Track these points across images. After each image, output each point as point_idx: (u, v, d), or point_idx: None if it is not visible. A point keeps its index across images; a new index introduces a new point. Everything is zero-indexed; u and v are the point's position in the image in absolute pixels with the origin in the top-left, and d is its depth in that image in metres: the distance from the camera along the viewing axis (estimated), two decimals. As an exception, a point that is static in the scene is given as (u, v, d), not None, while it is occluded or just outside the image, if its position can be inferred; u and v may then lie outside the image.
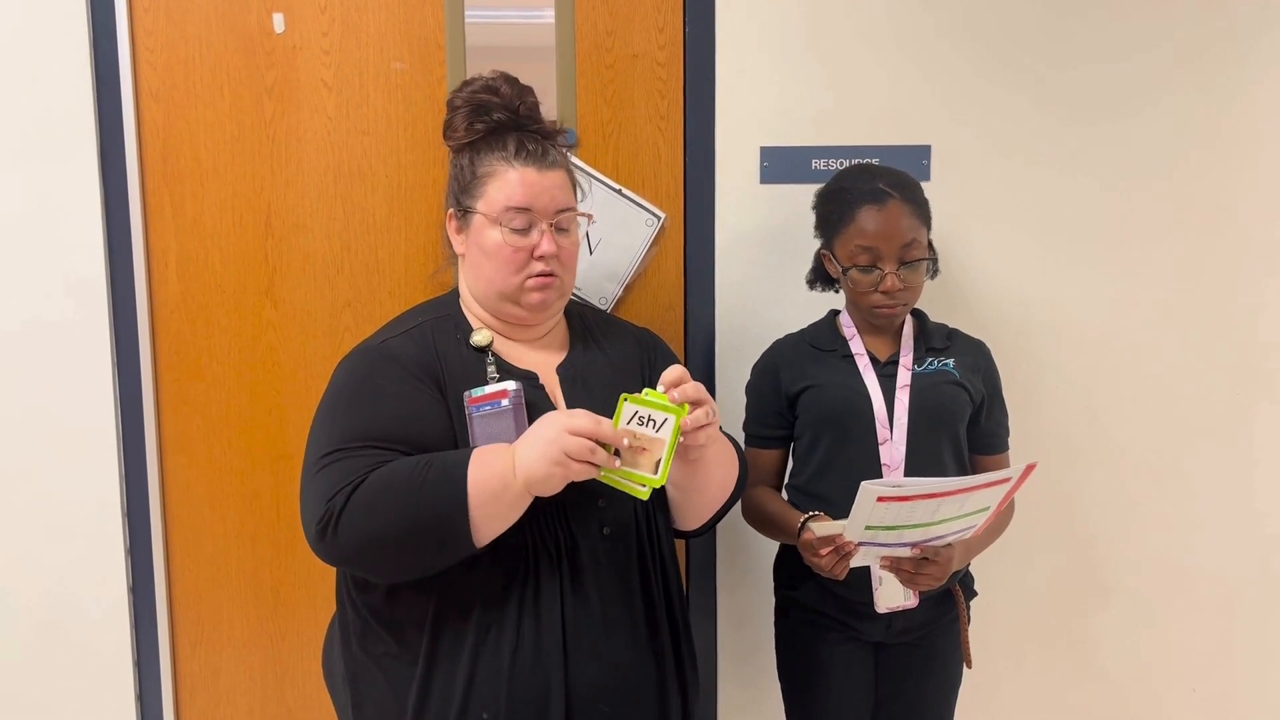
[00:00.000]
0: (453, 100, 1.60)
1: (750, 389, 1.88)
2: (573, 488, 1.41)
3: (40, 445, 2.00)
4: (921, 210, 1.74)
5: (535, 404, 1.50)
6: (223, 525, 2.06)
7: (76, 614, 2.04)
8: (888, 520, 1.49)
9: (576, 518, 1.49)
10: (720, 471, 1.58)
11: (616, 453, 1.38)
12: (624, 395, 1.39)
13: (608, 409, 1.41)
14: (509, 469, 1.37)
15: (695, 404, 1.41)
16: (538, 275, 1.54)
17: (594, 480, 1.42)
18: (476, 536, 1.38)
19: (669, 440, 1.36)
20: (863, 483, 1.44)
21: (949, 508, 1.48)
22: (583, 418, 1.37)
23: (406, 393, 1.48)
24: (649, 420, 1.36)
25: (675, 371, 1.41)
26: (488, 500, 1.37)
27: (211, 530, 2.07)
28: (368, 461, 1.41)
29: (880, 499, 1.44)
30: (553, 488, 1.38)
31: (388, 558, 1.42)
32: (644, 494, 1.40)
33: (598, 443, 1.36)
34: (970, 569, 1.86)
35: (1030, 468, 1.48)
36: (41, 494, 2.01)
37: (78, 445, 2.00)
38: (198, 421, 2.04)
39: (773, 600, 1.92)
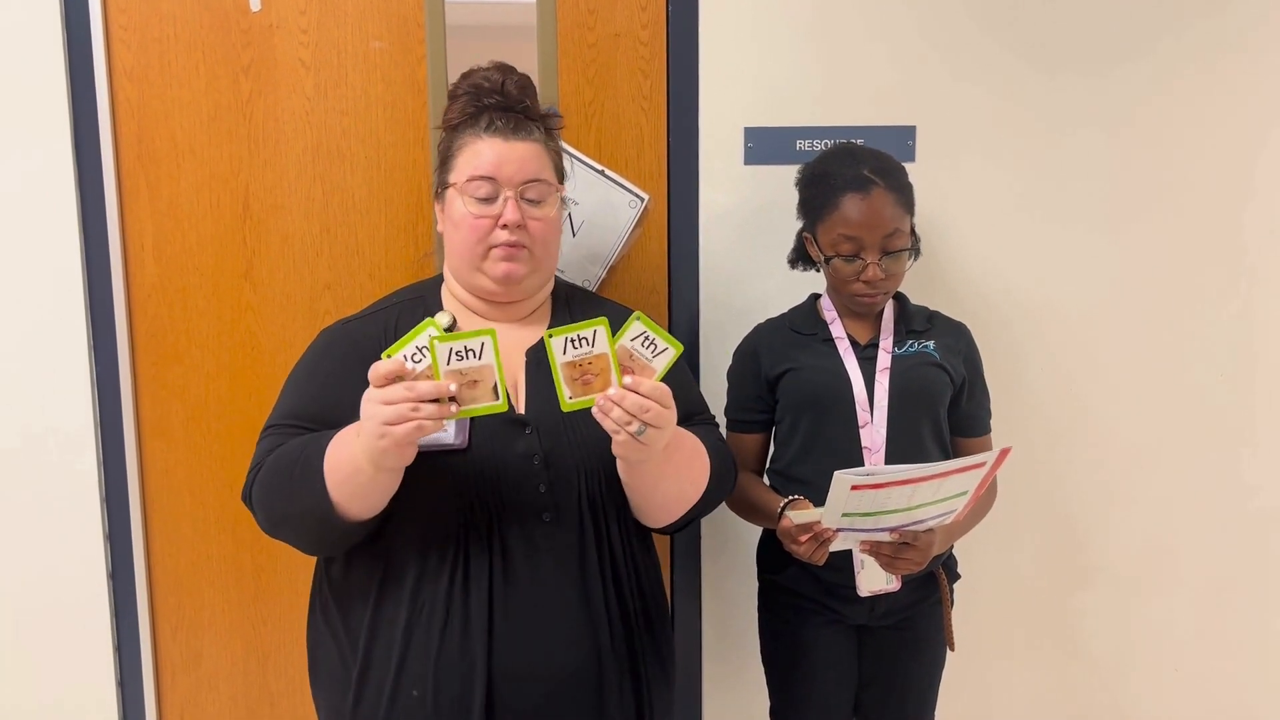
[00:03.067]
0: (454, 90, 1.61)
1: (731, 373, 1.87)
2: (511, 471, 1.43)
3: (16, 431, 1.98)
4: (905, 197, 1.72)
5: None
6: (203, 510, 2.05)
7: (56, 601, 2.03)
8: (863, 507, 1.48)
9: (512, 500, 1.46)
10: (677, 482, 1.51)
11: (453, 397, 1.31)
12: (430, 338, 1.31)
13: None
14: (358, 451, 1.34)
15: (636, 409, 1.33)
16: (502, 245, 1.51)
17: (532, 463, 1.44)
18: (347, 514, 1.38)
19: (495, 362, 1.31)
20: (836, 472, 1.43)
21: (925, 493, 1.47)
22: (394, 389, 1.28)
23: (342, 374, 1.49)
24: (467, 351, 1.31)
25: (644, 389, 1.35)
26: (343, 482, 1.37)
27: (191, 515, 2.05)
28: (286, 438, 1.45)
29: (854, 487, 1.44)
30: (398, 458, 1.33)
31: (291, 534, 1.48)
32: (502, 406, 1.33)
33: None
34: (954, 551, 1.85)
35: (1005, 452, 1.47)
36: (18, 480, 1.99)
37: (55, 431, 1.98)
38: (176, 406, 2.02)
39: (756, 584, 1.91)
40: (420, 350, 1.32)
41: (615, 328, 1.38)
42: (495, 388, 1.32)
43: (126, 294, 1.98)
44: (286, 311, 2.01)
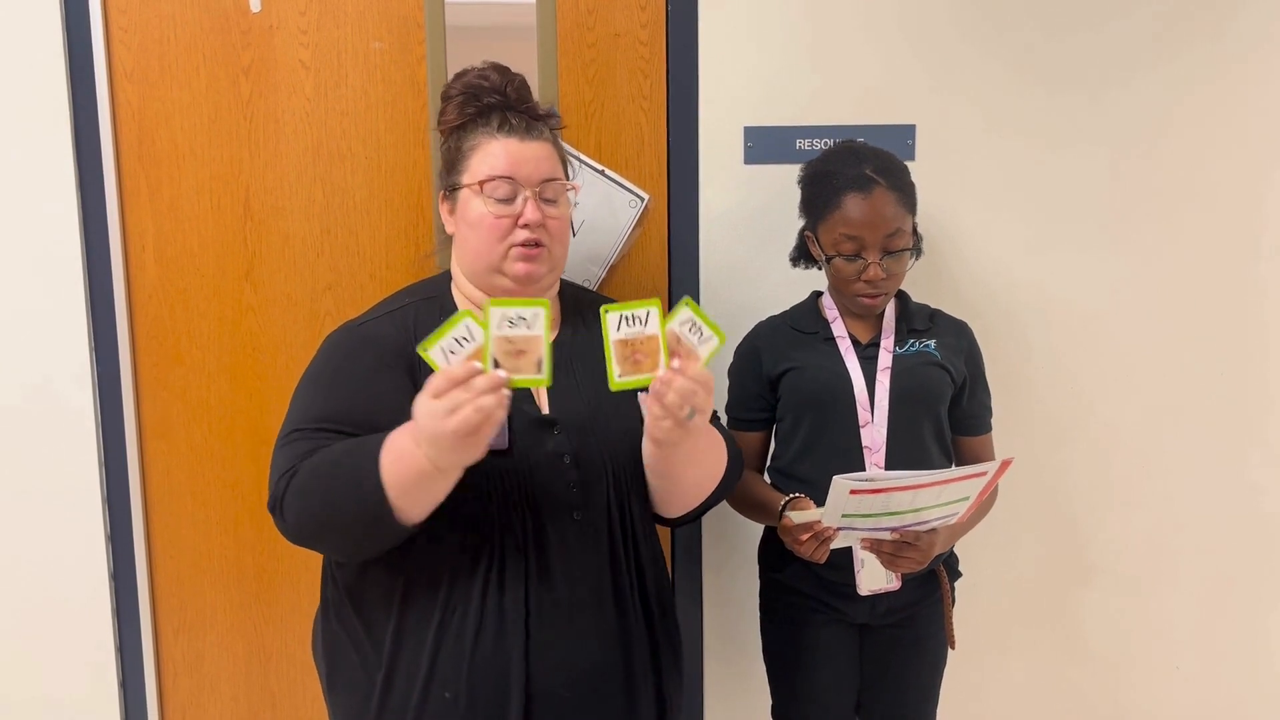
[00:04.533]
0: (447, 91, 1.61)
1: (732, 372, 1.87)
2: (542, 471, 1.43)
3: (19, 432, 1.98)
4: (907, 196, 1.72)
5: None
6: (204, 511, 2.05)
7: (58, 602, 2.03)
8: (864, 510, 1.48)
9: (545, 499, 1.48)
10: (702, 466, 1.54)
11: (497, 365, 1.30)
12: (486, 302, 1.30)
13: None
14: (424, 458, 1.31)
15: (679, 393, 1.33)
16: (522, 245, 1.52)
17: (563, 462, 1.44)
18: (405, 519, 1.36)
19: (545, 335, 1.30)
20: (835, 477, 1.43)
21: (926, 497, 1.47)
22: (454, 394, 1.25)
23: (371, 376, 1.48)
24: (519, 319, 1.30)
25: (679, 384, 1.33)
26: (408, 488, 1.33)
27: (193, 516, 2.05)
28: (318, 443, 1.41)
29: (853, 492, 1.44)
30: (473, 458, 1.32)
31: (331, 540, 1.44)
32: (546, 381, 1.32)
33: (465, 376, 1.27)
34: (955, 550, 1.85)
35: (1006, 463, 1.47)
36: (21, 481, 1.99)
37: (57, 432, 1.98)
38: (178, 407, 2.02)
39: (757, 583, 1.91)
40: (458, 341, 1.29)
41: None
42: (540, 362, 1.30)
43: (127, 295, 1.98)
44: (288, 313, 2.01)
